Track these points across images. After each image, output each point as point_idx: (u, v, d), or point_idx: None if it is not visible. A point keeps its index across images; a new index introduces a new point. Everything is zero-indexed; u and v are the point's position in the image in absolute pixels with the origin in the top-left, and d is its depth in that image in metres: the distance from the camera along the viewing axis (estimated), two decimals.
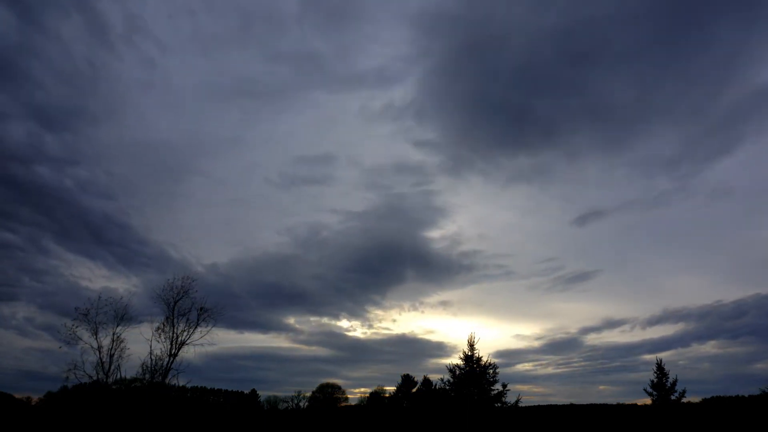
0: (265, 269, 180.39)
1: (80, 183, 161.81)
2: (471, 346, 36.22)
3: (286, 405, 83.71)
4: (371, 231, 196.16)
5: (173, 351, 33.67)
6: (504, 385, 34.92)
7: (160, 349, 33.47)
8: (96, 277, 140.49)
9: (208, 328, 34.78)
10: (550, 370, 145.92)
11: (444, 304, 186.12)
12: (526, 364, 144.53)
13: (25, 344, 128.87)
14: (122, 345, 32.94)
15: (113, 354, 32.54)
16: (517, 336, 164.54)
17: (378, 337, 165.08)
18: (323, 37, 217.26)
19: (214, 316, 35.18)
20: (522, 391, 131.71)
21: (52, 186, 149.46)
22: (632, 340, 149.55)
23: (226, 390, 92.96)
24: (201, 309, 34.72)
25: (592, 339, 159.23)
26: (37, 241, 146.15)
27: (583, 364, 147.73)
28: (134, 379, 34.19)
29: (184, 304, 34.72)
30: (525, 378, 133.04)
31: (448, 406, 36.10)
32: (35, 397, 73.67)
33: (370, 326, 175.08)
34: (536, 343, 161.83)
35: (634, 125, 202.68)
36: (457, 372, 35.94)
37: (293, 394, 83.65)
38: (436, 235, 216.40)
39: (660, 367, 38.19)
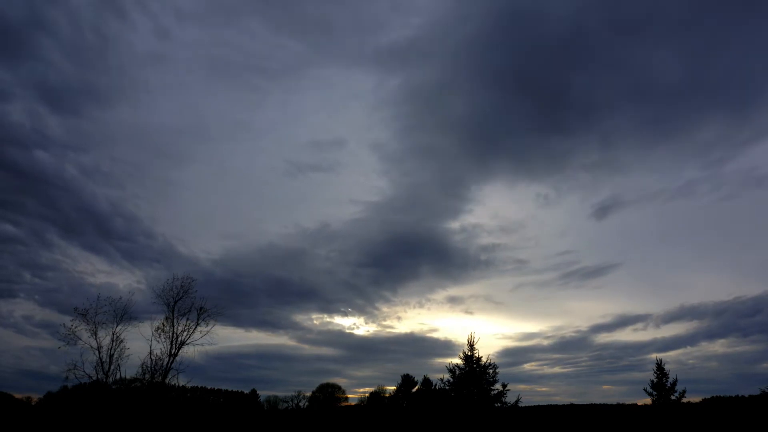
0: (271, 264, 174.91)
1: (85, 170, 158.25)
2: (471, 345, 36.27)
3: (286, 405, 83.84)
4: (386, 222, 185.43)
5: (173, 351, 33.75)
6: (504, 385, 35.00)
7: (160, 349, 33.58)
8: (99, 273, 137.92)
9: (209, 328, 34.89)
10: (556, 369, 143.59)
11: (454, 301, 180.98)
12: (533, 363, 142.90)
13: (25, 343, 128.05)
14: (122, 345, 33.00)
15: (113, 354, 32.57)
16: (527, 334, 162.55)
17: (386, 335, 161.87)
18: (338, 4, 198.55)
19: (214, 316, 35.31)
20: (526, 391, 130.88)
21: (55, 174, 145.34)
22: (643, 339, 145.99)
23: (226, 390, 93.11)
24: (201, 309, 34.83)
25: (602, 337, 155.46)
26: (40, 234, 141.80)
27: (590, 363, 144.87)
28: (134, 379, 34.17)
29: (184, 304, 34.85)
30: (531, 377, 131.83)
31: (448, 406, 36.11)
32: (35, 397, 73.76)
33: (378, 324, 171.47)
34: (545, 342, 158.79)
35: (678, 106, 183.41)
36: (457, 372, 35.96)
37: (293, 394, 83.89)
38: (456, 226, 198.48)
39: (660, 367, 38.23)
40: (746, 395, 65.01)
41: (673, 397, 37.21)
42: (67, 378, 31.20)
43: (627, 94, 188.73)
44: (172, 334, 34.01)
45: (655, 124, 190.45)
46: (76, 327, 31.75)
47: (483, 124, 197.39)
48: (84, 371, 31.34)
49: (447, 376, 36.57)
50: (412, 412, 52.73)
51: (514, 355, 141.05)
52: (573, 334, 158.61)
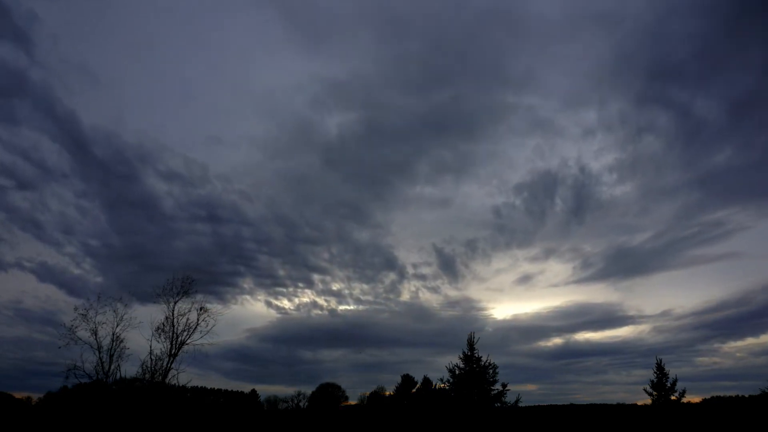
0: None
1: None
2: (471, 345, 36.21)
3: (286, 405, 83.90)
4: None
5: (173, 351, 33.81)
6: (504, 385, 34.95)
7: (160, 349, 33.66)
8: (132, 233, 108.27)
9: (209, 327, 34.97)
10: (602, 365, 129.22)
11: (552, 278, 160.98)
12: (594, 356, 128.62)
13: (23, 335, 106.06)
14: (122, 345, 33.09)
15: (113, 354, 32.64)
16: (611, 322, 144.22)
17: (470, 316, 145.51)
18: None
19: (214, 316, 35.43)
20: (571, 389, 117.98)
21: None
22: (709, 333, 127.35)
23: (226, 390, 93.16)
24: (201, 309, 34.94)
25: (674, 329, 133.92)
26: (46, 169, 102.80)
27: (639, 360, 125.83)
28: (134, 379, 34.22)
29: (184, 304, 34.92)
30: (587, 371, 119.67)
31: (448, 406, 36.09)
32: (35, 397, 73.67)
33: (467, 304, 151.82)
34: (624, 332, 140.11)
35: None
36: (457, 372, 35.94)
37: (293, 393, 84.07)
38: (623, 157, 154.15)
39: (660, 366, 38.23)
40: (746, 395, 65.04)
41: (673, 397, 37.24)
42: (67, 378, 31.30)
43: None
44: (172, 334, 34.11)
45: None
46: (76, 326, 31.84)
47: None
48: (84, 371, 31.44)
49: (447, 375, 36.58)
50: (412, 412, 52.72)
51: (574, 348, 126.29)
52: (657, 324, 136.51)
